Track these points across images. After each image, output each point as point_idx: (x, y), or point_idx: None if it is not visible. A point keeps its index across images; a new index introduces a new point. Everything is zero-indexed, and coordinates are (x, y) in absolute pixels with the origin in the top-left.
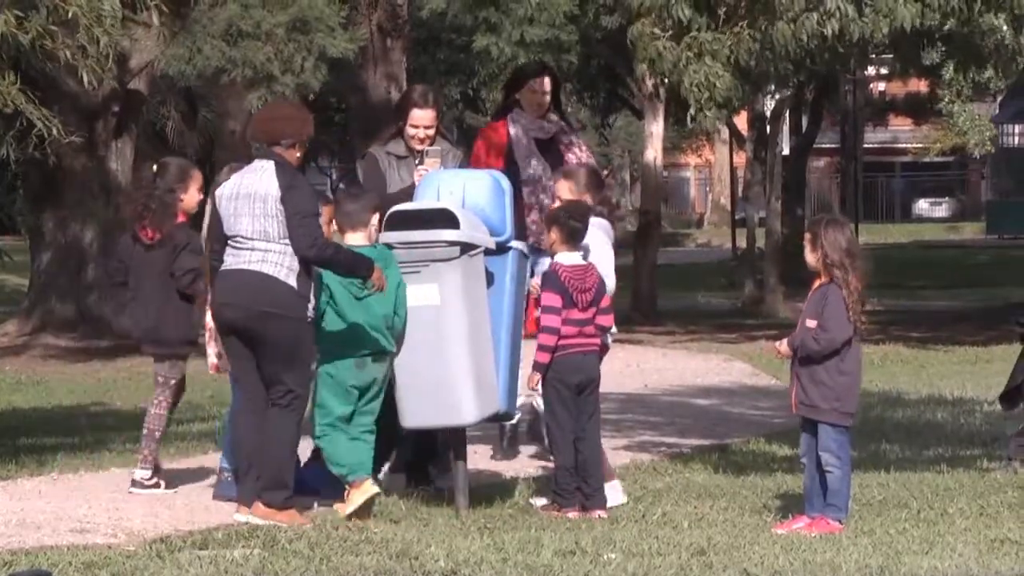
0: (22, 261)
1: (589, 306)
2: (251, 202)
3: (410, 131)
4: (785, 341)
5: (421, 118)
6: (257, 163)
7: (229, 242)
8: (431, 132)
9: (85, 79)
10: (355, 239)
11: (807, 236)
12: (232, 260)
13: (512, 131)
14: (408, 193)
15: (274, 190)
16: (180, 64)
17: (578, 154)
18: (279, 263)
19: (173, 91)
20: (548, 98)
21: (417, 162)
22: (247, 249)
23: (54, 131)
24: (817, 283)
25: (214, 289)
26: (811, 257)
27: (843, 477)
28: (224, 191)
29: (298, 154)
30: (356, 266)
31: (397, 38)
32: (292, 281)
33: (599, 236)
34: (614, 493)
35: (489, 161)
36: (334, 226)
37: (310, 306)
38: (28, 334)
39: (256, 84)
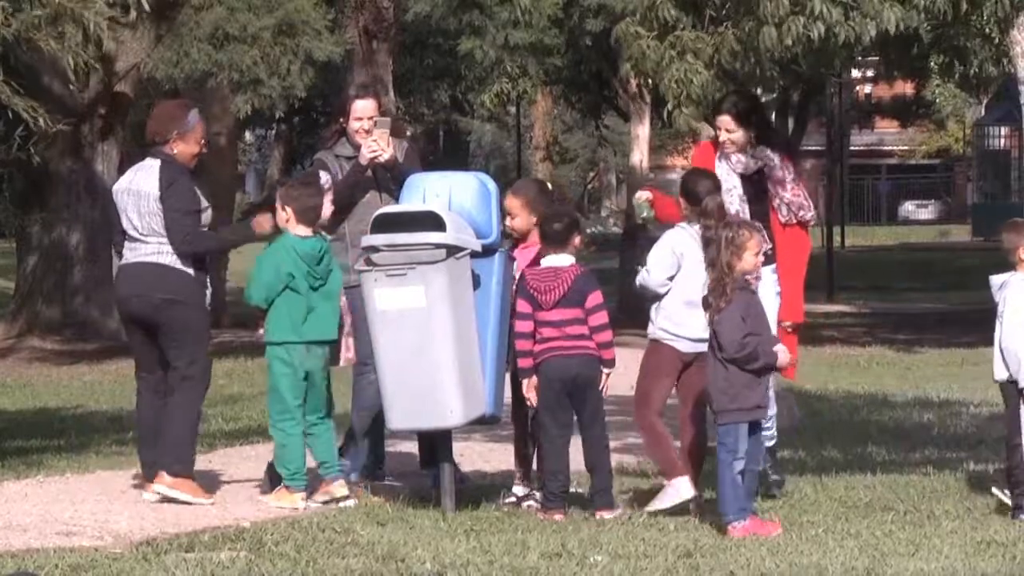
0: (8, 264)
1: (555, 306)
2: (138, 199)
3: (355, 124)
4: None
5: (363, 109)
6: (148, 161)
7: (126, 236)
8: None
9: (71, 67)
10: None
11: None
12: (130, 254)
13: (717, 166)
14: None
15: (155, 188)
16: (167, 67)
17: (780, 192)
18: (173, 253)
19: (159, 94)
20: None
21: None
22: (141, 243)
23: (40, 122)
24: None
25: (117, 282)
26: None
27: None
28: (119, 186)
29: (183, 145)
30: (230, 245)
31: (383, 41)
32: (189, 268)
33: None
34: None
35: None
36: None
37: (208, 292)
38: (14, 337)
39: (242, 87)
